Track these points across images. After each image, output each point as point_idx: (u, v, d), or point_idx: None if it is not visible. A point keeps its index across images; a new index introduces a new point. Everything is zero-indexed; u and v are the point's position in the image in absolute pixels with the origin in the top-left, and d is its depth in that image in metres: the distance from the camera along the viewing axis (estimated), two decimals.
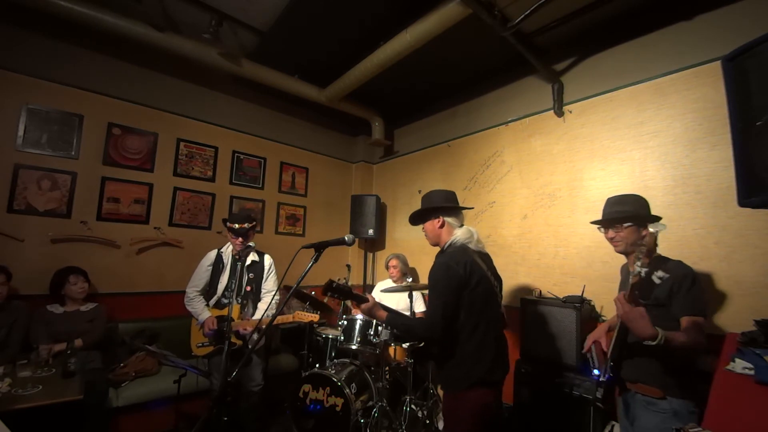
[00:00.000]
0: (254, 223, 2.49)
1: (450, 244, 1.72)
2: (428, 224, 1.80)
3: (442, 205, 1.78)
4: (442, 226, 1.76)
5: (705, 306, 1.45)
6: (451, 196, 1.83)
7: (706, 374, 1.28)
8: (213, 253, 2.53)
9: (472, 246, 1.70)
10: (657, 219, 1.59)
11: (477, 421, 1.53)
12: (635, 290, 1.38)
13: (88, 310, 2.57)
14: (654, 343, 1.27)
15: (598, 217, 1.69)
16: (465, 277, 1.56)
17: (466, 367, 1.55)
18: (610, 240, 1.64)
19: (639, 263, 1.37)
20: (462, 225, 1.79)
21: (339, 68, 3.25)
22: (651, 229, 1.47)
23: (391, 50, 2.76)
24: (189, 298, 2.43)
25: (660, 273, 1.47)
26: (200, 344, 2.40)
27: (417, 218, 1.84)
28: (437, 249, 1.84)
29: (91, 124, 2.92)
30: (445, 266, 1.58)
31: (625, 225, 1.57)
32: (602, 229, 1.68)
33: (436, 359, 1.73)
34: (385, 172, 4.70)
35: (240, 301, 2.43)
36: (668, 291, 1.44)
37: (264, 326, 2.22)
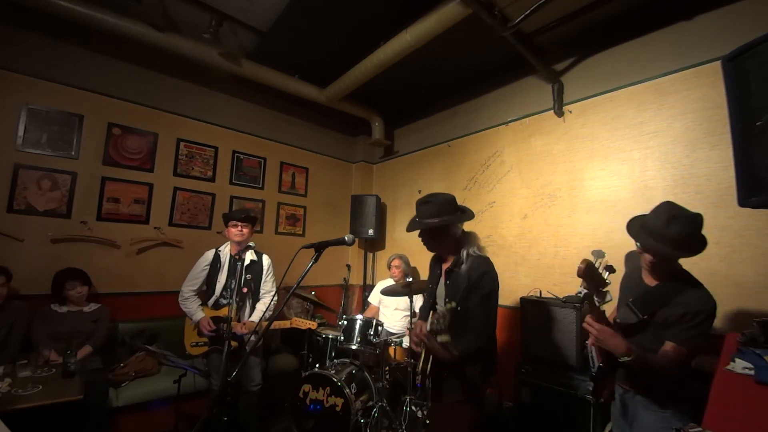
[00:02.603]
0: (255, 218, 2.53)
1: (476, 250, 1.74)
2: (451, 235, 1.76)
3: (459, 210, 1.76)
4: (461, 233, 1.78)
5: (701, 343, 1.34)
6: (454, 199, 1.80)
7: (702, 374, 1.28)
8: (210, 253, 2.52)
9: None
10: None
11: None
12: (601, 309, 1.37)
13: (91, 311, 2.57)
14: (629, 359, 1.27)
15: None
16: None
17: (492, 354, 1.79)
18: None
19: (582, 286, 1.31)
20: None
21: (339, 68, 3.25)
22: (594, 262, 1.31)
23: (391, 50, 2.76)
24: (184, 297, 2.43)
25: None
26: (194, 344, 2.41)
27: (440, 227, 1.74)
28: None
29: (91, 124, 2.92)
30: (494, 275, 1.74)
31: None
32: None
33: (470, 357, 1.69)
34: (385, 172, 4.69)
35: (237, 302, 2.43)
36: (680, 317, 1.35)
37: (261, 330, 2.22)
